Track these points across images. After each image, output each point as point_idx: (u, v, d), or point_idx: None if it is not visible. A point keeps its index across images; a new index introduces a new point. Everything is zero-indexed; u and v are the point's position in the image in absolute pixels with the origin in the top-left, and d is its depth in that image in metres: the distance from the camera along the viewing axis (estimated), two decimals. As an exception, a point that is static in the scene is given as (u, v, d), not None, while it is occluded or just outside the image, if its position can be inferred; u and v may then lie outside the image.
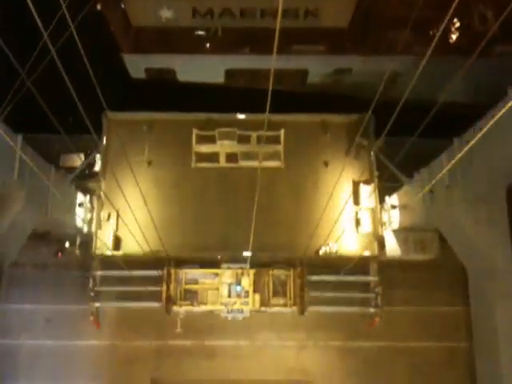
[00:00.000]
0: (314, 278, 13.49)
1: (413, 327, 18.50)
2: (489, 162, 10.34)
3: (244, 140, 16.42)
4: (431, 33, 15.16)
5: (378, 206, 15.92)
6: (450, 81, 11.60)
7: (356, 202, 16.28)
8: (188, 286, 13.14)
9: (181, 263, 15.01)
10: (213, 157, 16.55)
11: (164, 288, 12.85)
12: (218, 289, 13.23)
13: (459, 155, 5.72)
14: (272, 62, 4.71)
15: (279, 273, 13.58)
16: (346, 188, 16.40)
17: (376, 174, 16.09)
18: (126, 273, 13.31)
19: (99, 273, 13.73)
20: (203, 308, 12.96)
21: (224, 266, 13.66)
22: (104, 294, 14.72)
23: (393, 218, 14.84)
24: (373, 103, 10.02)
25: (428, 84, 13.31)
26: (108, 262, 15.21)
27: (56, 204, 12.53)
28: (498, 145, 9.92)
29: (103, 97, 17.83)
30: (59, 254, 16.95)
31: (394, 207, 14.48)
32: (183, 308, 13.03)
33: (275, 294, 13.18)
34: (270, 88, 5.08)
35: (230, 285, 13.38)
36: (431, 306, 18.74)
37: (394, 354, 18.07)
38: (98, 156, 16.90)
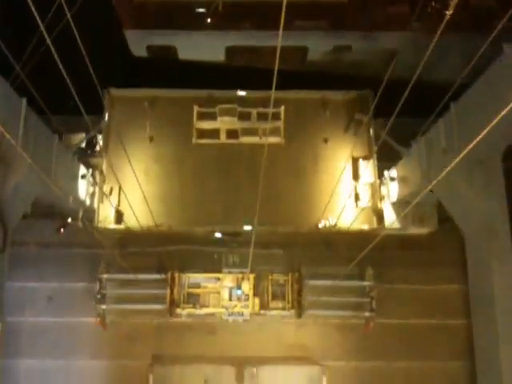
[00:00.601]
0: (312, 282, 13.95)
1: (412, 305, 18.64)
2: (485, 124, 10.45)
3: (244, 117, 16.62)
4: (429, 9, 15.30)
5: (377, 181, 16.14)
6: (461, 60, 11.76)
7: (355, 177, 16.50)
8: (191, 290, 13.83)
9: (184, 268, 15.72)
10: (214, 133, 16.74)
11: (168, 292, 13.43)
12: (219, 292, 13.85)
13: (458, 157, 5.45)
14: (279, 37, 4.77)
15: (278, 277, 14.14)
16: (345, 164, 16.66)
17: (375, 149, 16.28)
18: (131, 276, 13.85)
19: (105, 276, 14.12)
20: (205, 311, 13.67)
21: (225, 270, 14.16)
22: (110, 296, 15.43)
23: (391, 190, 15.04)
24: (384, 80, 10.05)
25: (425, 61, 13.38)
26: (114, 267, 15.86)
27: (59, 173, 12.70)
28: (494, 107, 10.07)
29: (106, 75, 18.02)
30: (61, 229, 17.14)
31: (392, 179, 14.67)
32: (186, 310, 13.77)
33: (274, 297, 13.83)
34: (277, 62, 5.11)
35: (230, 289, 13.89)
36: (430, 284, 18.92)
37: (394, 331, 18.19)
38: (99, 137, 17.08)
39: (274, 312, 13.89)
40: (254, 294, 13.58)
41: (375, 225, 15.84)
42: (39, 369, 17.82)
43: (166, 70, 18.02)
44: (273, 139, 16.49)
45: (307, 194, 16.44)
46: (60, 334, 18.13)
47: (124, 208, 15.86)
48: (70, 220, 16.82)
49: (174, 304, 13.41)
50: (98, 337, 18.12)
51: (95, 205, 16.01)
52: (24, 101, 10.83)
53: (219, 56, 17.87)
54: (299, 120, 16.95)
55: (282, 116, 16.40)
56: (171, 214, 16.22)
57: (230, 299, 13.62)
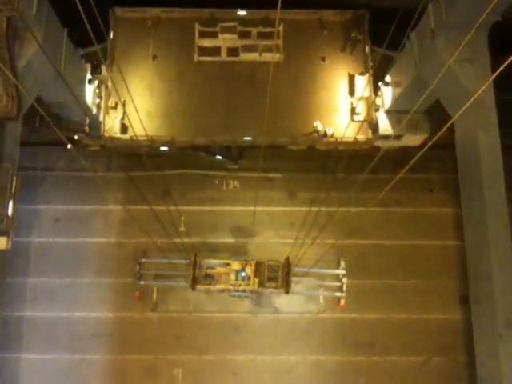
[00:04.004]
0: (297, 269, 16.49)
1: (405, 227, 19.38)
2: (471, 3, 11.03)
3: (245, 36, 17.19)
4: None
5: (373, 95, 16.73)
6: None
7: (351, 92, 17.11)
8: (208, 271, 16.43)
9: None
10: (215, 51, 17.30)
11: (191, 272, 15.82)
12: (228, 274, 16.49)
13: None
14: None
15: (273, 263, 16.48)
16: (342, 80, 17.36)
17: (371, 64, 16.89)
18: (164, 260, 16.52)
19: (143, 260, 16.70)
20: (218, 287, 16.34)
21: (233, 258, 16.70)
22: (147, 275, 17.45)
23: (386, 97, 15.65)
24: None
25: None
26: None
27: (68, 68, 13.19)
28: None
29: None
30: (68, 146, 17.68)
31: (386, 84, 15.24)
32: (204, 287, 16.31)
33: (269, 279, 16.25)
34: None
35: (237, 271, 16.33)
36: (423, 207, 19.61)
37: (387, 251, 18.98)
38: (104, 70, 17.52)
39: (269, 290, 16.45)
40: (255, 276, 16.18)
41: (370, 135, 16.47)
42: (46, 286, 18.45)
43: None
44: (272, 56, 17.04)
45: (305, 108, 17.06)
46: (66, 253, 18.80)
47: (128, 121, 16.46)
48: (76, 137, 17.46)
49: (195, 281, 15.98)
50: (103, 255, 18.82)
51: (101, 117, 16.61)
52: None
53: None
54: (298, 39, 17.53)
55: (281, 33, 16.95)
56: (174, 126, 16.87)
57: (236, 279, 16.20)
